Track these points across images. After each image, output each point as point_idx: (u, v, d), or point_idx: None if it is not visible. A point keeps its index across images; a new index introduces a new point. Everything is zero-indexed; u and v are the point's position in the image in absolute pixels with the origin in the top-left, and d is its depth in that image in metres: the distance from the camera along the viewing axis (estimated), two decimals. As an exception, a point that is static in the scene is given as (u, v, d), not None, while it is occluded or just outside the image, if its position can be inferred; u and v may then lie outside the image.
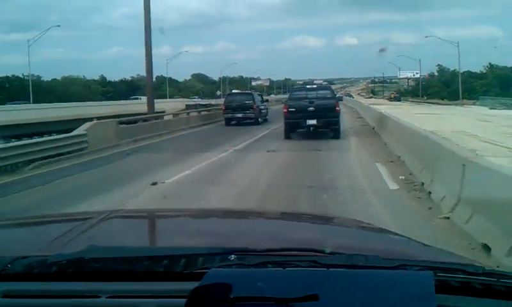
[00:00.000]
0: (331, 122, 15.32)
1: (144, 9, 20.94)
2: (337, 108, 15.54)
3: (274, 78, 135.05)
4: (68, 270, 1.08)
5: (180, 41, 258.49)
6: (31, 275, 1.08)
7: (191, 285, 0.93)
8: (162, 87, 77.82)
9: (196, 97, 64.72)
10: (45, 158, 11.40)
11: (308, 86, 18.65)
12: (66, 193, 7.86)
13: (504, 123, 20.94)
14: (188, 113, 25.67)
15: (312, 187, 7.49)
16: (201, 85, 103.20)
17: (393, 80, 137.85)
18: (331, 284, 0.94)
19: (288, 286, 0.93)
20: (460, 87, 56.75)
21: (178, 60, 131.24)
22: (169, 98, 64.15)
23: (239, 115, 23.26)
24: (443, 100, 65.48)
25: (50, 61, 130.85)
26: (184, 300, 0.90)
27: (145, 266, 1.08)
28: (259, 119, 23.67)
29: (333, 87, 24.25)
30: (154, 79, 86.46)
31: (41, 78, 67.11)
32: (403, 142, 10.61)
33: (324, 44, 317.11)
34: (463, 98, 55.98)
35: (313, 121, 15.17)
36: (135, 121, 18.59)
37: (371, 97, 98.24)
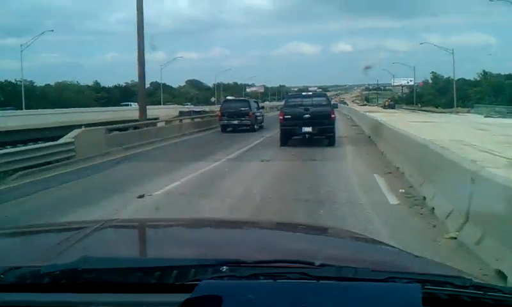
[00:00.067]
0: (326, 129, 15.31)
1: (137, 10, 20.54)
2: (332, 115, 15.53)
3: (269, 85, 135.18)
4: (60, 281, 1.08)
5: (175, 47, 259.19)
6: (24, 286, 1.08)
7: (182, 297, 0.95)
8: (157, 93, 77.48)
9: (189, 104, 64.20)
10: (30, 167, 10.91)
11: (303, 93, 18.57)
12: (45, 206, 7.41)
13: (501, 131, 20.71)
14: (181, 120, 25.24)
15: (308, 201, 7.10)
16: (196, 91, 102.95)
17: (387, 88, 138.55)
18: (321, 297, 0.97)
19: (279, 298, 0.96)
20: (455, 95, 56.76)
21: (172, 66, 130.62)
22: (163, 104, 63.74)
23: (235, 122, 23.35)
24: (437, 107, 65.53)
25: (43, 66, 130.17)
26: None
27: (137, 277, 1.09)
28: (255, 126, 23.64)
29: (328, 94, 24.06)
30: (148, 85, 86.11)
31: (34, 84, 66.46)
32: (401, 152, 10.26)
33: (318, 51, 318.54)
34: (457, 106, 55.99)
35: (309, 129, 15.18)
36: (125, 129, 18.12)
37: (365, 104, 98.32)
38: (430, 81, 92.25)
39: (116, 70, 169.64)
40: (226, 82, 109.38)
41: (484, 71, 76.33)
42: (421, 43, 65.74)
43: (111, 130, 16.05)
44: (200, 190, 8.36)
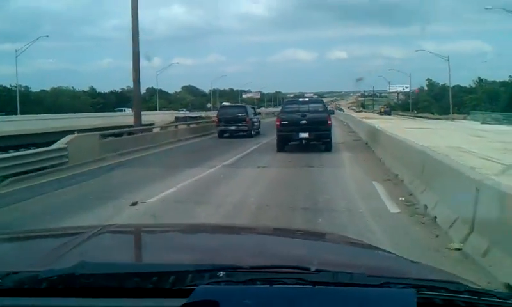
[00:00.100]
0: (323, 135, 15.42)
1: (132, 16, 20.38)
2: (329, 121, 15.64)
3: (265, 91, 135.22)
4: (58, 286, 1.09)
5: (171, 53, 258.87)
6: (22, 291, 1.09)
7: (179, 302, 0.96)
8: (153, 99, 77.22)
9: (184, 109, 63.90)
10: (21, 173, 10.68)
11: (300, 100, 18.71)
12: (33, 214, 7.18)
13: (498, 138, 20.65)
14: (176, 126, 25.06)
15: (306, 209, 6.91)
16: (192, 97, 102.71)
17: (382, 94, 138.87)
18: (317, 302, 0.98)
19: (275, 303, 0.98)
20: (451, 102, 56.89)
21: (168, 72, 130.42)
22: (159, 110, 63.49)
23: (232, 127, 23.43)
24: (433, 114, 65.66)
25: (39, 71, 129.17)
26: None
27: (135, 282, 1.09)
28: (252, 132, 23.74)
29: (324, 100, 24.06)
30: (144, 91, 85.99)
31: (30, 89, 66.01)
32: (399, 159, 10.10)
33: (314, 57, 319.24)
34: (453, 113, 56.09)
35: (306, 134, 15.26)
36: (120, 134, 17.88)
37: (361, 111, 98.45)
38: (425, 88, 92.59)
39: (112, 75, 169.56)
40: (222, 88, 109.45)
41: (479, 78, 76.76)
42: (417, 50, 66.23)
43: (104, 136, 15.82)
44: (195, 197, 8.14)
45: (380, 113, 73.79)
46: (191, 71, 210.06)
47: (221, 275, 1.07)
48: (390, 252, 1.75)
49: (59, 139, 13.31)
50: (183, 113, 51.44)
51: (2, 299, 1.07)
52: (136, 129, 19.48)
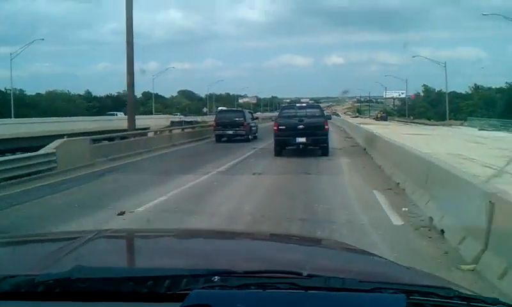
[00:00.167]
0: (320, 140, 15.54)
1: (127, 19, 19.98)
2: (326, 126, 15.78)
3: (261, 96, 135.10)
4: (54, 290, 1.09)
5: (168, 58, 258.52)
6: (19, 295, 1.10)
7: (174, 306, 0.99)
8: (149, 103, 76.85)
9: (178, 114, 63.34)
10: (5, 179, 10.21)
11: (297, 105, 19.08)
12: (13, 224, 6.74)
13: (497, 145, 20.42)
14: (170, 130, 24.66)
15: (304, 220, 6.49)
16: (188, 101, 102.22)
17: (378, 100, 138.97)
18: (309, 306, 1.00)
19: None
20: (447, 108, 56.80)
21: (165, 76, 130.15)
22: (154, 114, 63.00)
23: (230, 132, 23.56)
24: (429, 120, 65.61)
25: (35, 75, 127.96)
26: None
27: (130, 287, 1.10)
28: (249, 137, 23.89)
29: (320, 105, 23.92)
30: (140, 95, 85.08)
31: (25, 93, 65.34)
32: (400, 166, 9.72)
33: (310, 63, 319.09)
34: (449, 119, 55.98)
35: (303, 139, 15.38)
36: (112, 139, 17.42)
37: (357, 116, 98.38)
38: (422, 94, 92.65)
39: (109, 79, 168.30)
40: (218, 93, 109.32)
41: (475, 84, 76.96)
42: (413, 56, 65.90)
43: (96, 141, 15.36)
44: (187, 206, 7.71)
45: (376, 119, 73.65)
46: (188, 75, 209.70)
47: (215, 279, 1.08)
48: (384, 258, 1.76)
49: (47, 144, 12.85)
50: (179, 117, 50.92)
51: None
52: (129, 133, 19.04)
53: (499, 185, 5.46)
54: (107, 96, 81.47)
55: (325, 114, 19.01)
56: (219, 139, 23.70)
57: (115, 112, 51.53)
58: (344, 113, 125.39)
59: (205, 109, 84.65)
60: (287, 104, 26.33)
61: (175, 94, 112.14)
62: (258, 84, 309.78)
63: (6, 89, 54.85)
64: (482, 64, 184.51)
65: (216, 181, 10.29)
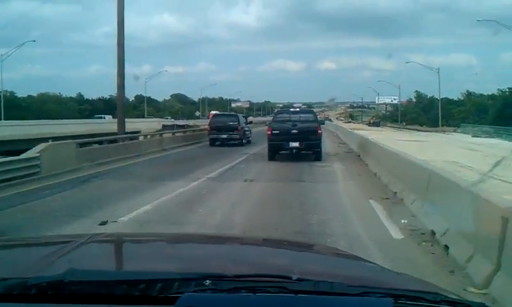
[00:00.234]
0: (313, 145, 15.62)
1: (118, 22, 19.53)
2: (319, 131, 15.88)
3: (254, 101, 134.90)
4: (47, 293, 1.10)
5: (161, 61, 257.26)
6: (11, 297, 1.11)
7: None
8: (141, 106, 76.22)
9: (169, 117, 62.73)
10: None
11: (291, 110, 18.70)
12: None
13: (491, 152, 20.19)
14: (161, 134, 24.19)
15: (298, 233, 6.05)
16: (181, 105, 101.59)
17: (371, 106, 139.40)
18: None
19: None
20: (440, 114, 56.87)
21: (158, 80, 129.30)
22: (147, 117, 62.41)
23: (224, 136, 23.60)
24: (422, 126, 65.71)
25: (28, 77, 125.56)
26: None
27: (123, 290, 1.11)
28: (243, 141, 23.92)
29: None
30: (133, 98, 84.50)
31: (15, 95, 64.34)
32: (397, 175, 9.37)
33: (303, 68, 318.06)
34: (442, 125, 56.05)
35: (296, 144, 15.45)
36: (100, 143, 16.91)
37: (350, 122, 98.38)
38: (414, 100, 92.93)
39: (102, 82, 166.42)
40: (211, 97, 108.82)
41: (467, 91, 77.26)
42: (407, 62, 66.24)
43: (82, 144, 14.85)
44: (173, 216, 7.27)
45: (369, 124, 73.63)
46: (181, 79, 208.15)
47: (206, 283, 1.09)
48: (374, 263, 1.78)
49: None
50: (171, 121, 50.39)
51: None
52: (119, 137, 18.53)
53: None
54: (99, 99, 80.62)
55: (318, 119, 18.89)
56: (213, 143, 23.66)
57: (103, 115, 50.89)
58: (337, 118, 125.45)
59: (197, 113, 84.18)
60: (280, 109, 26.25)
61: (167, 97, 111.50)
62: (251, 89, 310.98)
63: (-4, 90, 54.13)
64: (473, 71, 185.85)
65: (205, 189, 9.85)
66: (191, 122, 48.11)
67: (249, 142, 24.99)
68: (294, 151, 15.63)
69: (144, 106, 74.63)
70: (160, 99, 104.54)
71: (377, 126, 67.92)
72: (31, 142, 14.88)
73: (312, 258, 1.87)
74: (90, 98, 79.84)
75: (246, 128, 25.57)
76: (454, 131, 49.48)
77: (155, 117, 63.61)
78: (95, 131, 30.27)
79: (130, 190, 9.71)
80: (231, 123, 23.81)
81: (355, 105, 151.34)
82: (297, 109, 19.00)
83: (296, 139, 15.38)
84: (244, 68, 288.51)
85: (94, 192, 10.05)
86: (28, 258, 1.60)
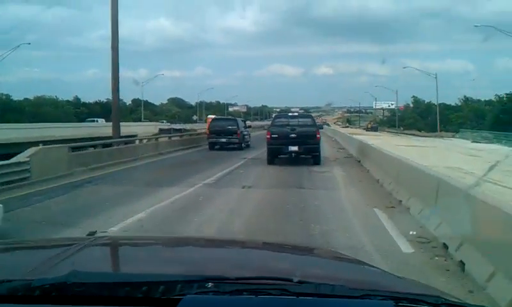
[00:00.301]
0: (312, 149, 15.64)
1: (112, 24, 19.17)
2: (318, 136, 15.95)
3: (251, 105, 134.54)
4: (51, 294, 1.11)
5: (158, 65, 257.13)
6: (15, 298, 1.12)
7: None
8: (138, 110, 75.82)
9: (165, 121, 62.25)
10: (-29, 190, 9.29)
11: (290, 114, 18.67)
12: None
13: (493, 158, 19.87)
14: (157, 138, 23.82)
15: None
16: (178, 109, 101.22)
17: (368, 111, 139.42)
18: None
19: None
20: (438, 119, 56.67)
21: (155, 84, 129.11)
22: (144, 121, 61.96)
23: (223, 140, 23.61)
24: (420, 131, 65.54)
25: (25, 80, 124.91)
26: None
27: (125, 291, 1.12)
28: (242, 145, 23.92)
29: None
30: (130, 102, 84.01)
31: (11, 98, 63.78)
32: (401, 181, 9.01)
33: (300, 73, 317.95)
34: (439, 130, 55.84)
35: (295, 148, 15.45)
36: (94, 147, 16.46)
37: (347, 126, 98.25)
38: (411, 105, 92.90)
39: (99, 86, 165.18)
40: (208, 101, 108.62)
41: (465, 96, 77.25)
42: (404, 68, 67.37)
43: (75, 148, 14.42)
44: (166, 226, 6.85)
45: (367, 129, 73.47)
46: (178, 83, 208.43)
47: (208, 285, 1.10)
48: (375, 267, 1.79)
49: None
50: (167, 125, 49.95)
51: None
52: (114, 141, 18.10)
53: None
54: (96, 103, 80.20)
55: (317, 123, 18.66)
56: (212, 146, 23.72)
57: (95, 119, 50.38)
58: (334, 123, 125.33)
59: (194, 117, 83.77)
60: (278, 113, 25.98)
61: (165, 101, 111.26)
62: (248, 93, 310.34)
63: (-9, 93, 53.65)
64: (470, 77, 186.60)
65: (201, 196, 9.44)
66: (188, 126, 47.70)
67: (248, 146, 25.02)
68: (293, 155, 15.60)
69: (141, 110, 74.21)
70: (157, 103, 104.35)
71: (375, 131, 67.72)
72: (22, 146, 14.44)
73: (313, 261, 1.88)
74: (87, 102, 79.61)
75: (245, 133, 25.56)
76: (453, 136, 49.24)
77: (151, 121, 63.14)
78: (90, 135, 29.78)
79: (124, 197, 9.30)
80: (230, 127, 23.88)
81: (352, 110, 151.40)
82: (296, 114, 18.70)
83: (295, 143, 15.39)
84: (241, 72, 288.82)
85: (86, 198, 9.63)
86: (32, 260, 1.58)
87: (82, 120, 53.96)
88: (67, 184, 11.30)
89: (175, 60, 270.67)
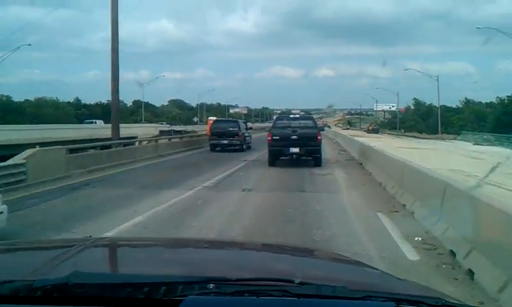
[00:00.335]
0: (313, 150, 15.65)
1: (112, 25, 19.02)
2: (319, 137, 15.95)
3: (252, 107, 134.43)
4: (52, 295, 1.11)
5: (159, 67, 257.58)
6: (17, 299, 1.12)
7: None
8: (139, 111, 75.76)
9: (164, 123, 62.10)
10: (-35, 193, 9.07)
11: (291, 116, 18.66)
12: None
13: (495, 160, 19.65)
14: (157, 140, 23.65)
15: (301, 252, 5.48)
16: (179, 111, 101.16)
17: (369, 113, 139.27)
18: None
19: None
20: (439, 121, 56.46)
21: (156, 85, 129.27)
22: (144, 122, 61.84)
23: (225, 142, 23.66)
24: (421, 133, 65.32)
25: (26, 81, 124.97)
26: None
27: (127, 292, 1.12)
28: (243, 146, 23.96)
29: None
30: (131, 104, 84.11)
31: (11, 99, 63.70)
32: (404, 184, 8.81)
33: (301, 75, 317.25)
34: (441, 132, 55.63)
35: (296, 149, 15.46)
36: (92, 148, 16.27)
37: (348, 128, 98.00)
38: (412, 107, 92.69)
39: (100, 87, 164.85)
40: (209, 103, 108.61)
41: (466, 98, 77.10)
42: (405, 70, 66.19)
43: (73, 150, 14.23)
44: (163, 231, 6.66)
45: (367, 131, 73.14)
46: (179, 85, 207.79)
47: (210, 286, 1.10)
48: (376, 269, 1.78)
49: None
50: (167, 127, 49.80)
51: None
52: (113, 143, 17.91)
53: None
54: (97, 104, 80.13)
55: (318, 125, 18.55)
56: (213, 148, 23.80)
57: (94, 120, 50.23)
58: (335, 125, 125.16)
59: (195, 119, 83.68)
60: (279, 115, 25.97)
61: (165, 103, 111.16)
62: (249, 95, 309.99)
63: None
64: (471, 79, 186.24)
65: (200, 199, 9.24)
66: (188, 128, 47.55)
67: (249, 148, 25.05)
68: (294, 156, 15.59)
69: (141, 111, 74.12)
70: (158, 104, 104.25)
71: (376, 133, 67.42)
72: (23, 148, 14.26)
73: (314, 262, 1.88)
74: (88, 103, 79.51)
75: (246, 134, 25.57)
76: (454, 138, 48.99)
77: (152, 122, 63.02)
78: (90, 136, 29.64)
79: (121, 200, 9.11)
80: (231, 129, 23.89)
81: (353, 112, 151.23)
82: (297, 115, 18.63)
83: (296, 145, 15.37)
84: (242, 74, 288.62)
85: (82, 201, 9.43)
86: (33, 260, 1.59)
87: (83, 122, 53.88)
88: (64, 186, 11.11)
89: (176, 62, 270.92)
